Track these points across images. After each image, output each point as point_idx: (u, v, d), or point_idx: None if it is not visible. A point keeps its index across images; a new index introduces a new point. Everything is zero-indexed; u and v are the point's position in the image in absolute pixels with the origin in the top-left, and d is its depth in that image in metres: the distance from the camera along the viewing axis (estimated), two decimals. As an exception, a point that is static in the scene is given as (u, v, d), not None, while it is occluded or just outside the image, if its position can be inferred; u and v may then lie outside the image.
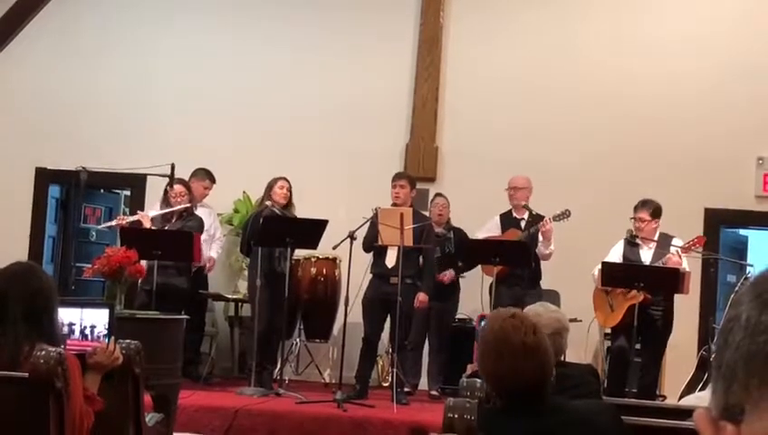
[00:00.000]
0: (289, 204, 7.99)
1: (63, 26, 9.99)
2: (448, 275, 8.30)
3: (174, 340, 6.05)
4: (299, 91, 9.59)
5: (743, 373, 0.92)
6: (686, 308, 8.09)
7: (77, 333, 4.27)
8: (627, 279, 7.27)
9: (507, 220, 8.19)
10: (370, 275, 7.78)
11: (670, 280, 7.21)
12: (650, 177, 8.76)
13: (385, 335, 8.05)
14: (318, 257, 8.64)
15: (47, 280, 3.59)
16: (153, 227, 7.75)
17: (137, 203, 9.54)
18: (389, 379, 7.96)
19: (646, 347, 7.46)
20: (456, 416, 2.70)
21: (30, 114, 9.92)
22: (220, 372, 8.89)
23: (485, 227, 8.21)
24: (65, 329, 4.11)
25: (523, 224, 8.13)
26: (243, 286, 8.90)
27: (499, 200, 8.24)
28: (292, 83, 9.62)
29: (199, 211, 8.27)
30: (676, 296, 7.46)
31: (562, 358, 4.04)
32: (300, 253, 8.33)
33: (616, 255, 7.56)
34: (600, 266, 7.38)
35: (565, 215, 7.83)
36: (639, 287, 7.17)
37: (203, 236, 8.03)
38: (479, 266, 8.25)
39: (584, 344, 8.10)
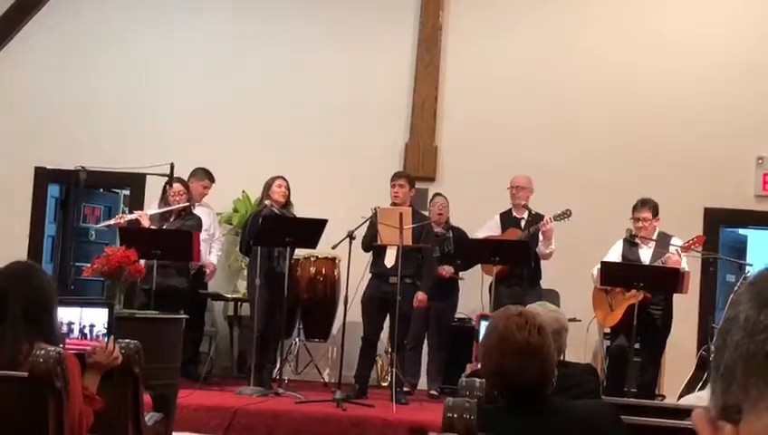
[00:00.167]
0: (287, 203, 8.00)
1: (63, 26, 9.98)
2: (447, 268, 8.30)
3: (173, 339, 6.05)
4: (298, 90, 9.59)
5: (741, 373, 0.92)
6: (686, 308, 8.10)
7: (76, 333, 4.28)
8: (626, 278, 7.27)
9: (507, 219, 8.19)
10: (369, 275, 7.78)
11: (670, 279, 7.21)
12: (650, 176, 8.76)
13: (384, 335, 8.05)
14: (317, 257, 8.64)
15: (47, 279, 3.59)
16: (152, 227, 7.75)
17: (136, 202, 9.54)
18: (389, 378, 7.97)
19: (645, 346, 7.46)
20: (456, 416, 2.70)
21: (29, 113, 9.92)
22: (219, 372, 8.89)
23: (485, 227, 8.21)
24: (64, 328, 4.12)
25: (523, 223, 8.13)
26: (242, 286, 8.90)
27: (499, 200, 8.24)
28: (292, 83, 9.62)
29: (199, 211, 8.28)
30: (676, 296, 7.46)
31: (562, 357, 4.03)
32: (299, 252, 8.33)
33: (615, 254, 7.56)
34: (599, 266, 7.38)
35: (566, 215, 7.83)
36: (639, 287, 7.17)
37: (202, 236, 8.03)
38: (479, 266, 8.25)
39: (583, 344, 8.10)
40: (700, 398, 4.70)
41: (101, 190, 10.55)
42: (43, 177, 9.85)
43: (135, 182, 9.57)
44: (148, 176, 8.86)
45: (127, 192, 10.24)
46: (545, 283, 8.18)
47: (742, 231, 9.91)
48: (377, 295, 7.65)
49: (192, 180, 8.49)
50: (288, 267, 7.75)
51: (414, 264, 7.65)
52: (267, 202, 7.90)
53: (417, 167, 9.26)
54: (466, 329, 8.37)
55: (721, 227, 9.14)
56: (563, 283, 8.32)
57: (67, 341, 4.07)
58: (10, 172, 9.84)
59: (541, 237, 7.93)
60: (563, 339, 3.90)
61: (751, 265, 8.39)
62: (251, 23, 9.79)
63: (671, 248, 7.39)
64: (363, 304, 7.75)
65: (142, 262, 6.57)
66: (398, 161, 9.30)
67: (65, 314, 4.17)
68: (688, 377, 7.63)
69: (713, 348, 5.35)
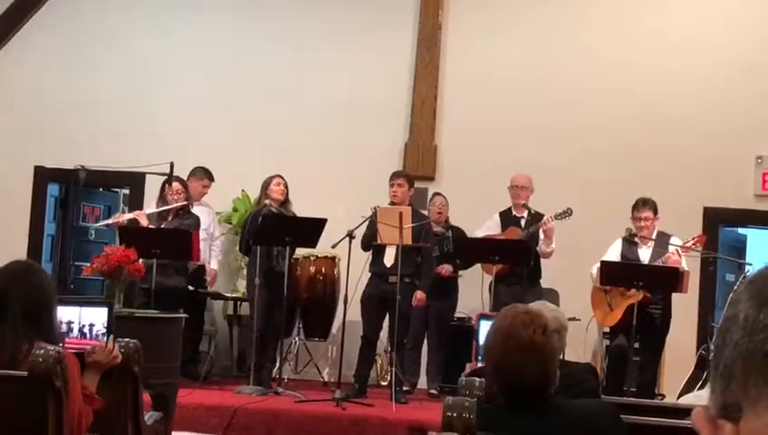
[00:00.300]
0: (286, 201, 8.00)
1: (62, 25, 9.98)
2: (446, 267, 8.30)
3: (173, 339, 6.05)
4: (298, 89, 9.58)
5: (741, 372, 0.92)
6: (685, 307, 8.10)
7: (76, 332, 4.28)
8: (626, 278, 7.27)
9: (507, 218, 8.19)
10: (369, 274, 7.78)
11: (670, 279, 7.21)
12: (650, 175, 8.75)
13: (384, 334, 8.05)
14: (317, 256, 8.65)
15: (46, 279, 3.59)
16: (150, 226, 7.75)
17: (136, 202, 9.55)
18: (388, 378, 7.97)
19: (644, 346, 7.46)
20: (455, 415, 2.70)
21: (29, 113, 9.92)
22: (219, 371, 8.89)
23: (485, 226, 8.21)
24: (64, 327, 4.12)
25: (522, 222, 8.13)
26: (241, 285, 8.90)
27: (498, 199, 8.24)
28: (292, 82, 9.62)
29: (198, 210, 8.28)
30: (675, 295, 7.47)
31: (561, 357, 4.04)
32: (299, 251, 8.33)
33: (614, 253, 7.56)
34: (598, 265, 7.38)
35: (567, 213, 7.83)
36: (639, 286, 7.17)
37: (202, 236, 8.03)
38: (479, 265, 8.25)
39: (583, 343, 8.10)
40: (699, 397, 4.71)
41: (101, 190, 10.54)
42: (43, 176, 9.85)
43: (135, 181, 9.57)
44: (147, 175, 8.86)
45: (126, 191, 10.24)
46: (545, 282, 8.18)
47: (741, 230, 9.91)
48: (376, 294, 7.65)
49: (191, 180, 8.49)
50: (288, 266, 7.75)
51: (413, 263, 7.65)
52: (267, 201, 7.90)
53: (417, 166, 9.26)
54: (466, 328, 8.36)
55: (720, 227, 9.14)
56: (563, 282, 8.32)
57: (66, 340, 4.07)
58: (10, 171, 9.84)
59: (542, 236, 7.93)
60: (563, 338, 3.90)
61: (750, 264, 8.39)
62: (251, 22, 9.79)
63: (671, 248, 7.39)
64: (362, 303, 7.75)
65: (141, 261, 6.57)
66: (397, 161, 9.30)
67: (65, 314, 4.17)
68: (688, 376, 7.63)
69: (712, 347, 5.35)
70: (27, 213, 9.94)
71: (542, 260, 8.09)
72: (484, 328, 5.42)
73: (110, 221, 8.18)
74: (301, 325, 8.81)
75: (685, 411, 3.32)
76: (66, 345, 3.79)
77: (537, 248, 7.99)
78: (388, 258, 7.63)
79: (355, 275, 7.50)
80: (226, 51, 9.76)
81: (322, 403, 7.19)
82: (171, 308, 6.75)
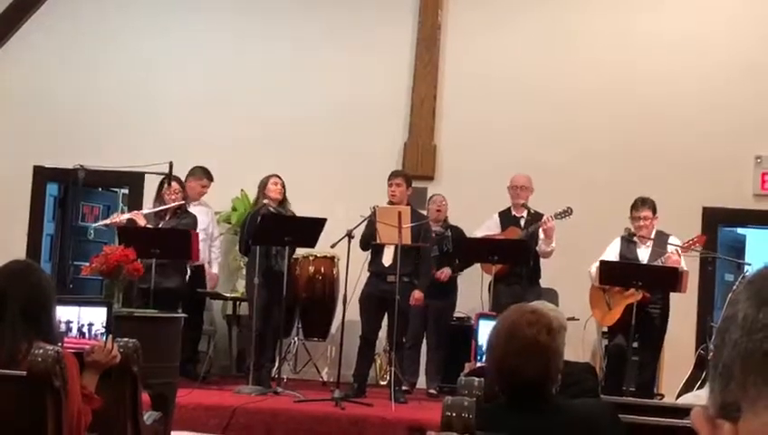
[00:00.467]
0: (284, 200, 8.00)
1: (62, 24, 9.98)
2: (445, 272, 8.31)
3: (172, 338, 6.05)
4: (297, 89, 9.58)
5: (740, 372, 0.92)
6: (684, 307, 8.10)
7: (75, 332, 4.27)
8: (625, 278, 7.27)
9: (507, 219, 8.19)
10: (367, 274, 7.78)
11: (669, 279, 7.21)
12: (649, 175, 8.75)
13: (383, 334, 8.05)
14: (316, 256, 8.65)
15: (45, 278, 3.59)
16: (148, 226, 7.74)
17: (135, 201, 9.54)
18: (387, 377, 7.96)
19: (643, 345, 7.46)
20: (454, 414, 2.70)
21: (28, 112, 9.92)
22: (218, 371, 8.89)
23: (484, 226, 8.21)
24: (63, 327, 4.12)
25: (522, 222, 8.13)
26: (241, 285, 8.90)
27: (498, 199, 8.24)
28: (291, 82, 9.62)
29: (197, 210, 8.27)
30: (674, 295, 7.47)
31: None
32: (298, 251, 8.34)
33: (613, 253, 7.56)
34: (597, 264, 7.38)
35: (567, 212, 7.84)
36: (638, 286, 7.17)
37: (201, 236, 8.03)
38: (478, 265, 8.25)
39: (581, 343, 8.10)
40: (698, 397, 4.71)
41: (100, 189, 10.54)
42: (42, 175, 9.85)
43: (134, 181, 9.57)
44: (146, 175, 8.85)
45: (126, 191, 10.24)
46: (544, 281, 8.18)
47: (740, 230, 9.91)
48: (374, 294, 7.65)
49: (190, 179, 8.49)
50: (287, 266, 7.75)
51: (411, 262, 7.64)
52: (265, 201, 7.90)
53: (416, 166, 9.26)
54: (465, 328, 8.36)
55: (719, 227, 9.14)
56: (562, 282, 8.32)
57: (66, 340, 4.07)
58: (9, 171, 9.84)
59: (542, 236, 7.93)
60: (562, 338, 3.90)
61: (749, 264, 8.39)
62: (250, 22, 9.79)
63: (671, 248, 7.39)
64: (361, 303, 7.75)
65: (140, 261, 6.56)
66: (396, 161, 9.30)
67: (64, 313, 4.17)
68: (687, 376, 7.63)
69: (711, 347, 5.35)
70: (26, 213, 9.94)
71: (542, 260, 8.09)
72: (484, 328, 5.42)
73: (107, 221, 8.18)
74: (300, 325, 8.81)
75: (684, 411, 3.32)
76: (65, 345, 3.79)
77: (537, 248, 7.99)
78: (387, 258, 7.63)
79: (354, 274, 7.50)
80: (226, 50, 9.76)
81: (322, 403, 7.19)
82: (169, 308, 6.75)
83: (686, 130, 9.03)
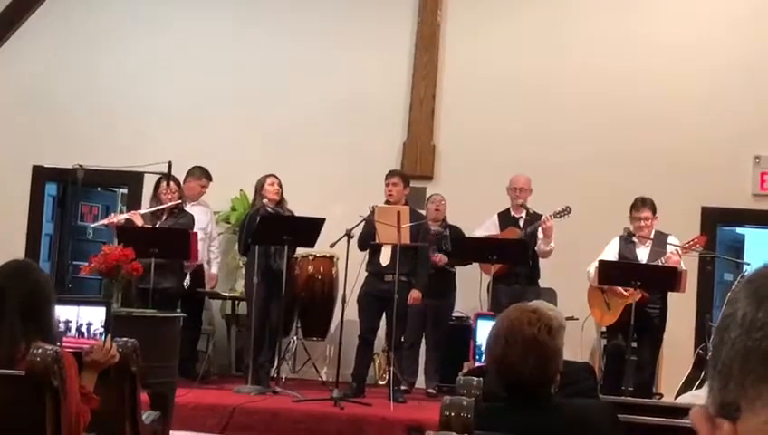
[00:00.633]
0: (281, 200, 7.99)
1: (61, 24, 9.98)
2: (440, 256, 8.28)
3: (171, 338, 6.05)
4: (296, 89, 9.58)
5: (739, 371, 0.92)
6: (683, 306, 8.10)
7: (73, 331, 4.27)
8: (624, 277, 7.27)
9: (506, 219, 8.20)
10: (365, 273, 7.78)
11: (668, 278, 7.21)
12: (648, 175, 8.75)
13: (381, 333, 8.05)
14: (315, 255, 8.64)
15: (44, 278, 3.58)
16: (146, 225, 7.74)
17: (134, 201, 9.54)
18: (386, 377, 7.96)
19: (642, 345, 7.46)
20: (453, 414, 2.70)
21: (27, 112, 9.91)
22: (217, 370, 8.88)
23: (484, 226, 8.21)
24: (62, 327, 4.12)
25: (521, 223, 8.13)
26: (240, 284, 8.89)
27: (497, 199, 8.24)
28: (290, 82, 9.62)
29: (196, 210, 8.27)
30: (673, 295, 7.47)
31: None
32: (297, 250, 8.33)
33: (611, 252, 7.56)
34: (595, 264, 7.38)
35: (566, 211, 7.84)
36: (637, 286, 7.17)
37: (200, 236, 8.03)
38: (477, 265, 8.24)
39: (580, 342, 8.10)
40: (697, 396, 4.70)
41: (99, 189, 10.53)
42: (41, 175, 9.85)
43: (133, 181, 9.56)
44: (145, 175, 8.85)
45: (125, 191, 10.23)
46: (543, 281, 8.18)
47: (739, 230, 9.92)
48: (372, 293, 7.65)
49: (190, 179, 8.49)
50: (286, 265, 7.74)
51: (409, 262, 7.64)
52: (264, 201, 7.90)
53: (415, 166, 9.25)
54: (464, 328, 8.36)
55: (718, 226, 9.14)
56: (561, 281, 8.31)
57: (64, 339, 4.07)
58: (8, 171, 9.83)
59: (541, 235, 7.93)
60: (562, 338, 3.90)
61: (748, 263, 8.39)
62: (249, 21, 9.79)
63: (671, 248, 7.39)
64: (359, 302, 7.75)
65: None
66: (396, 160, 9.30)
67: (63, 313, 4.17)
68: (686, 376, 7.63)
69: (710, 346, 5.36)
70: (25, 212, 9.93)
71: (541, 260, 8.09)
72: (482, 328, 5.42)
73: (105, 222, 8.17)
74: (299, 324, 8.81)
75: (683, 411, 3.31)
76: (64, 344, 3.79)
77: (536, 248, 7.99)
78: (384, 258, 7.63)
79: (353, 274, 7.50)
80: (225, 50, 9.76)
81: (321, 403, 7.19)
82: (168, 308, 6.75)
83: (685, 131, 9.03)
